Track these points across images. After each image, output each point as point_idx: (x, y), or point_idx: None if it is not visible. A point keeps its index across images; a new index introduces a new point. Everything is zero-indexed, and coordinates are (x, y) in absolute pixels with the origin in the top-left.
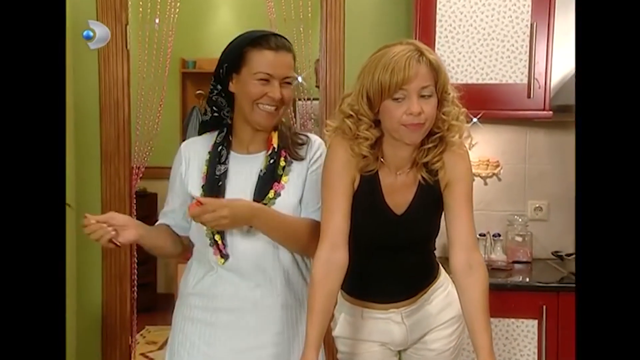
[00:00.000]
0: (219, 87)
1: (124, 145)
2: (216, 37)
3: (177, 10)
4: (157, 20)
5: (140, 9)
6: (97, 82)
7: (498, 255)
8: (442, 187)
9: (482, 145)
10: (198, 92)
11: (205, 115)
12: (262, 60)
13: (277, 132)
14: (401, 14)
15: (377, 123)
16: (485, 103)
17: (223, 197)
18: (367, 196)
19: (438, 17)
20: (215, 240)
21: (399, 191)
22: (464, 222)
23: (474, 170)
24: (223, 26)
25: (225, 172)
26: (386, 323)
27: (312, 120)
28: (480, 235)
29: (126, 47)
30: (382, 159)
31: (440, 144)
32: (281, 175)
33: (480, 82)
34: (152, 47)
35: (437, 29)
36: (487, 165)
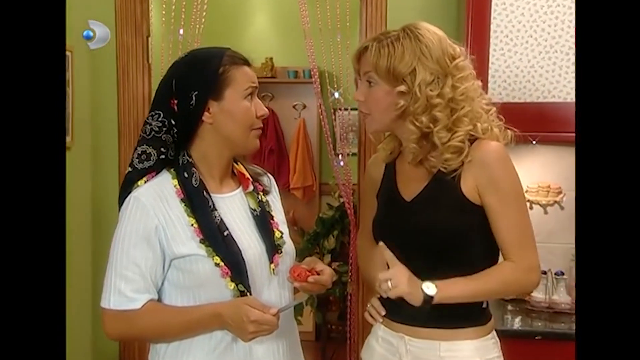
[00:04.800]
0: (172, 121)
1: None
2: (252, 45)
3: (204, 20)
4: (181, 32)
5: (163, 19)
6: (115, 99)
7: (561, 297)
8: (467, 193)
9: (542, 170)
10: None
11: (147, 161)
12: (245, 76)
13: (239, 164)
14: (449, 23)
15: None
16: (546, 124)
17: (237, 248)
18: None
19: (492, 27)
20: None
21: (413, 180)
22: (501, 234)
23: (532, 198)
24: (259, 33)
25: (222, 220)
26: (392, 353)
27: (353, 132)
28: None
29: (148, 60)
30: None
31: (426, 142)
32: (269, 212)
33: (540, 100)
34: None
35: (492, 40)
36: (548, 192)
